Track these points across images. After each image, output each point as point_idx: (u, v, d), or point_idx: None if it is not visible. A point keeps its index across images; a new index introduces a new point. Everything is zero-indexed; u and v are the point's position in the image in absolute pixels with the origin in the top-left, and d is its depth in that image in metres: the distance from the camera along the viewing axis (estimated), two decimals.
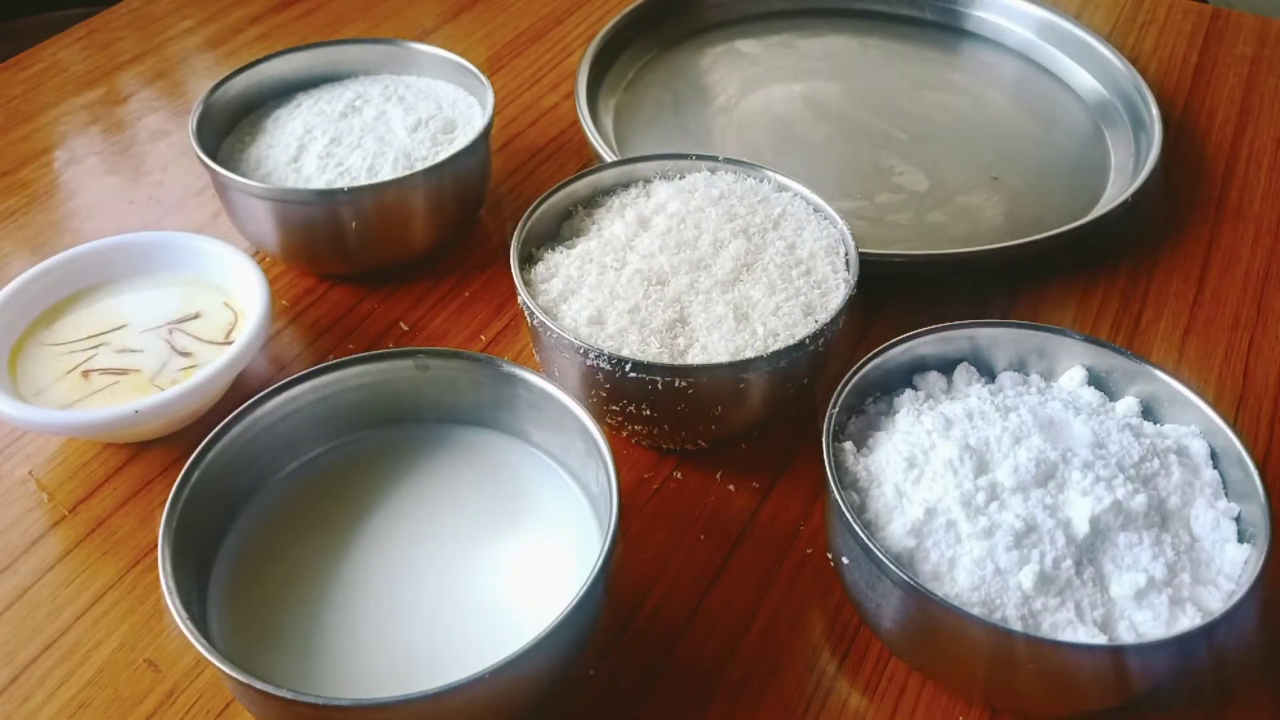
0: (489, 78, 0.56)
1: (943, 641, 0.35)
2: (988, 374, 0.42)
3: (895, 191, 0.59)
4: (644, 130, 0.64)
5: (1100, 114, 0.65)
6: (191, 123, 0.53)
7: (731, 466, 0.45)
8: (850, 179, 0.60)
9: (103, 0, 0.79)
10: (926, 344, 0.41)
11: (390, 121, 0.55)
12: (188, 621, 0.31)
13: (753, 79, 0.69)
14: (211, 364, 0.43)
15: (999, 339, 0.42)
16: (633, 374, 0.39)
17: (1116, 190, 0.57)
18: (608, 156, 0.56)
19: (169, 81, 0.71)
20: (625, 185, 0.49)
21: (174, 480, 0.35)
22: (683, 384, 0.40)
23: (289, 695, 0.29)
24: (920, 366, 0.42)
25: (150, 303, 0.48)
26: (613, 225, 0.46)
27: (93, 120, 0.67)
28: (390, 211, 0.51)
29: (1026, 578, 0.33)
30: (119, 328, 0.47)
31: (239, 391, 0.46)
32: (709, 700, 0.37)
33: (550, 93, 0.68)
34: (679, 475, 0.45)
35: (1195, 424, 0.39)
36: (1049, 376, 0.42)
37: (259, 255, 0.54)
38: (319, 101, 0.57)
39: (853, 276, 0.43)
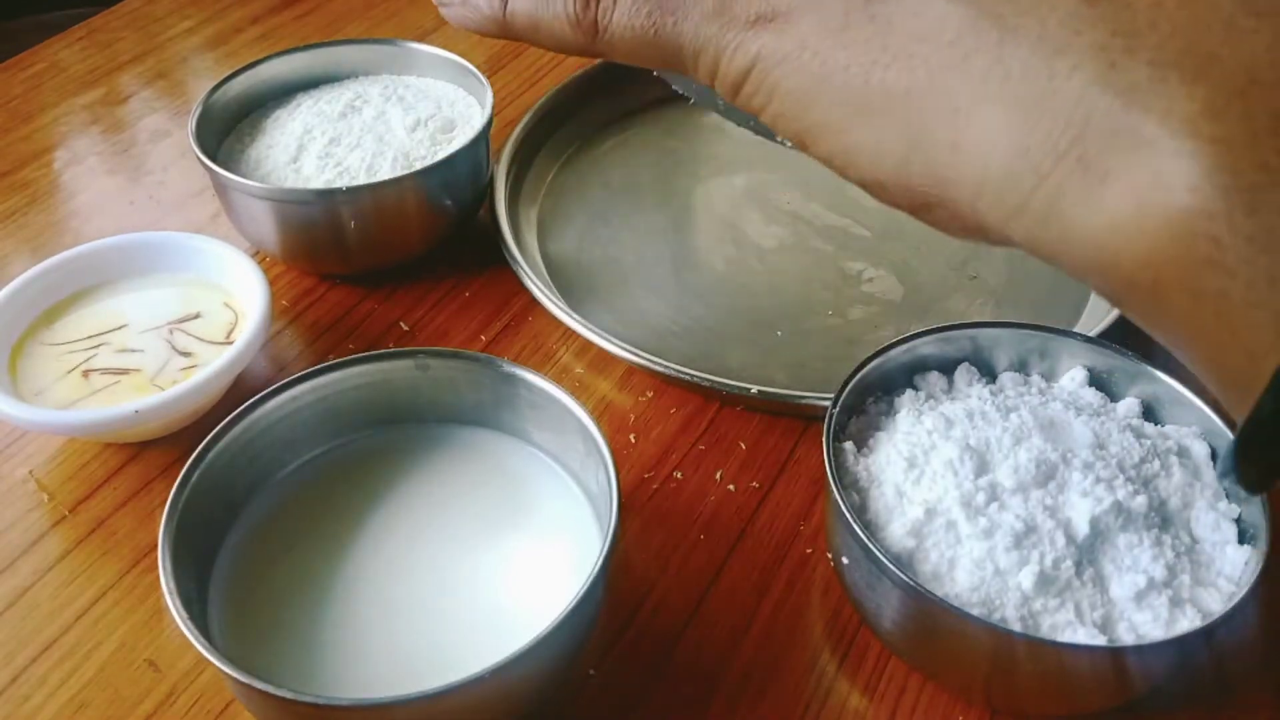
0: (489, 78, 0.56)
1: (942, 642, 0.35)
2: (989, 374, 0.42)
3: (868, 303, 0.53)
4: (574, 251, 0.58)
5: None
6: (191, 123, 0.53)
7: (731, 466, 0.45)
8: (816, 291, 0.54)
9: (103, 0, 0.79)
10: (927, 344, 0.41)
11: (390, 121, 0.55)
12: (188, 621, 0.31)
13: (686, 172, 0.63)
14: (212, 364, 0.43)
15: (1000, 339, 0.42)
16: None
17: None
18: (536, 292, 0.51)
19: (169, 81, 0.71)
20: None
21: (174, 480, 0.35)
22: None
23: (289, 695, 0.29)
24: (921, 367, 0.42)
25: (150, 303, 0.48)
26: None
27: (93, 120, 0.67)
28: (389, 211, 0.51)
29: (1026, 578, 0.33)
30: (119, 328, 0.47)
31: (239, 391, 0.46)
32: (709, 700, 0.37)
33: None
34: (679, 475, 0.45)
35: (1196, 425, 0.39)
36: (1050, 377, 0.42)
37: (259, 255, 0.54)
38: (318, 102, 0.57)
39: None
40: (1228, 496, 0.37)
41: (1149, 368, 0.40)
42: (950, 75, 0.27)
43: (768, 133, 0.44)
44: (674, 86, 0.47)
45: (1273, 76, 0.22)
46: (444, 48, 0.59)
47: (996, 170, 0.26)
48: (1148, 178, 0.23)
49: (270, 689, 0.29)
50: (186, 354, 0.46)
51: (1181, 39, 0.24)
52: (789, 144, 0.44)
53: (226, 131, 0.56)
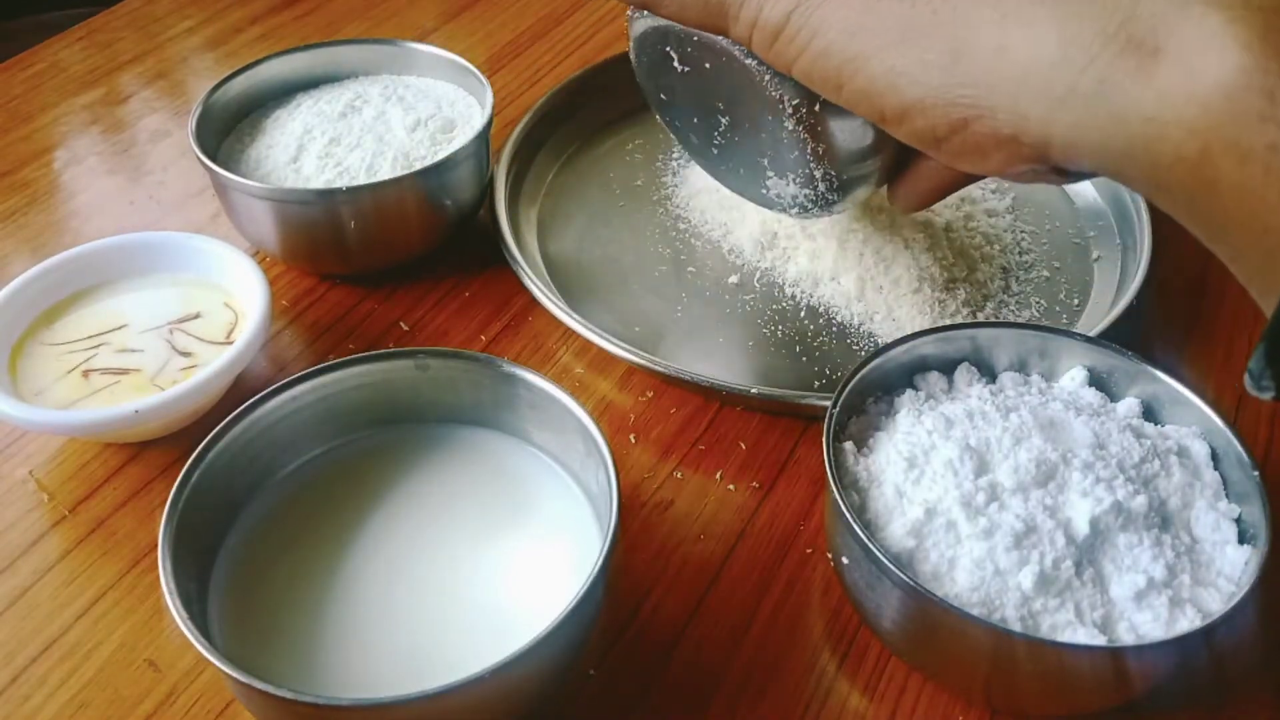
0: (489, 78, 0.56)
1: (942, 642, 0.35)
2: (989, 374, 0.42)
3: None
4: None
5: None
6: (191, 123, 0.53)
7: (731, 466, 0.45)
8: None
9: (103, 0, 0.79)
10: (927, 344, 0.41)
11: (390, 121, 0.55)
12: (188, 621, 0.31)
13: (686, 172, 0.61)
14: (212, 364, 0.43)
15: (1000, 339, 0.42)
16: None
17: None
18: (535, 290, 0.51)
19: (169, 81, 0.71)
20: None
21: (174, 480, 0.35)
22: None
23: (289, 695, 0.29)
24: (921, 366, 0.42)
25: (150, 303, 0.48)
26: None
27: (93, 120, 0.67)
28: (389, 211, 0.51)
29: (1026, 578, 0.33)
30: (119, 328, 0.47)
31: (239, 391, 0.46)
32: (709, 700, 0.37)
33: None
34: (679, 475, 0.45)
35: (1196, 425, 0.39)
36: (1050, 377, 0.42)
37: (259, 255, 0.54)
38: (318, 102, 0.57)
39: None
40: (1228, 497, 0.37)
41: (1149, 368, 0.40)
42: None
43: (749, 178, 0.43)
44: (672, 134, 0.46)
45: None
46: (444, 48, 0.59)
47: (1045, 60, 0.27)
48: (1200, 46, 0.25)
49: (270, 689, 0.29)
50: (186, 354, 0.46)
51: None
52: (771, 193, 0.43)
53: (226, 131, 0.56)
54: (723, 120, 0.41)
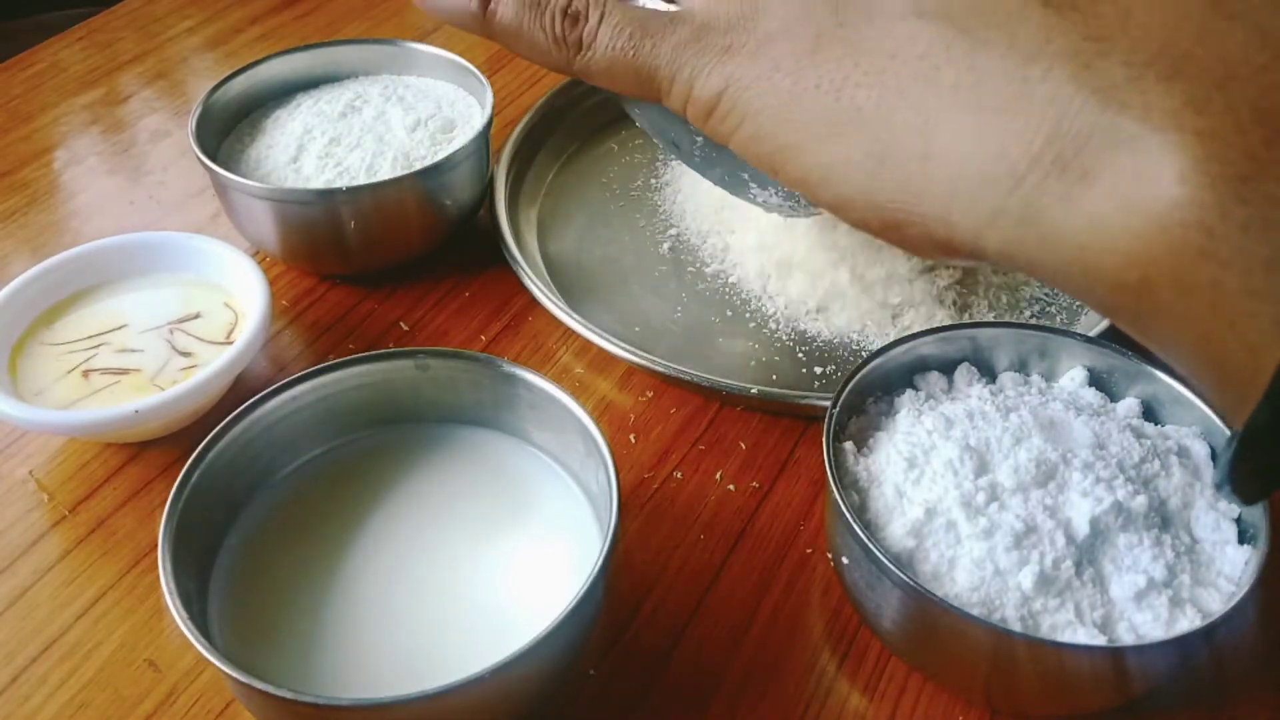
0: (489, 78, 0.56)
1: (942, 642, 0.35)
2: (989, 374, 0.42)
3: None
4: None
5: None
6: (191, 123, 0.53)
7: (731, 466, 0.45)
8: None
9: (103, 0, 0.79)
10: (927, 344, 0.41)
11: (390, 121, 0.55)
12: (188, 621, 0.31)
13: (686, 172, 0.61)
14: (212, 364, 0.43)
15: (1000, 339, 0.42)
16: None
17: None
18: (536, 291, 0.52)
19: (169, 81, 0.71)
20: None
21: (174, 480, 0.35)
22: None
23: (289, 695, 0.29)
24: (921, 366, 0.42)
25: (150, 303, 0.48)
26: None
27: (93, 120, 0.67)
28: (389, 211, 0.51)
29: (1026, 578, 0.33)
30: (119, 328, 0.47)
31: (239, 391, 0.46)
32: (709, 700, 0.37)
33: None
34: (679, 475, 0.45)
35: (1196, 425, 0.39)
36: (1050, 377, 0.42)
37: (259, 255, 0.54)
38: (318, 102, 0.57)
39: None
40: (1226, 496, 0.37)
41: (1149, 368, 0.40)
42: (920, 87, 0.27)
43: (735, 184, 0.43)
44: (653, 136, 0.46)
45: (1249, 71, 0.22)
46: (444, 48, 0.59)
47: (970, 177, 0.26)
48: (1131, 173, 0.23)
49: (270, 689, 0.29)
50: (186, 354, 0.46)
51: (1155, 40, 0.24)
52: (758, 200, 0.43)
53: (226, 131, 0.56)
54: (698, 139, 0.42)
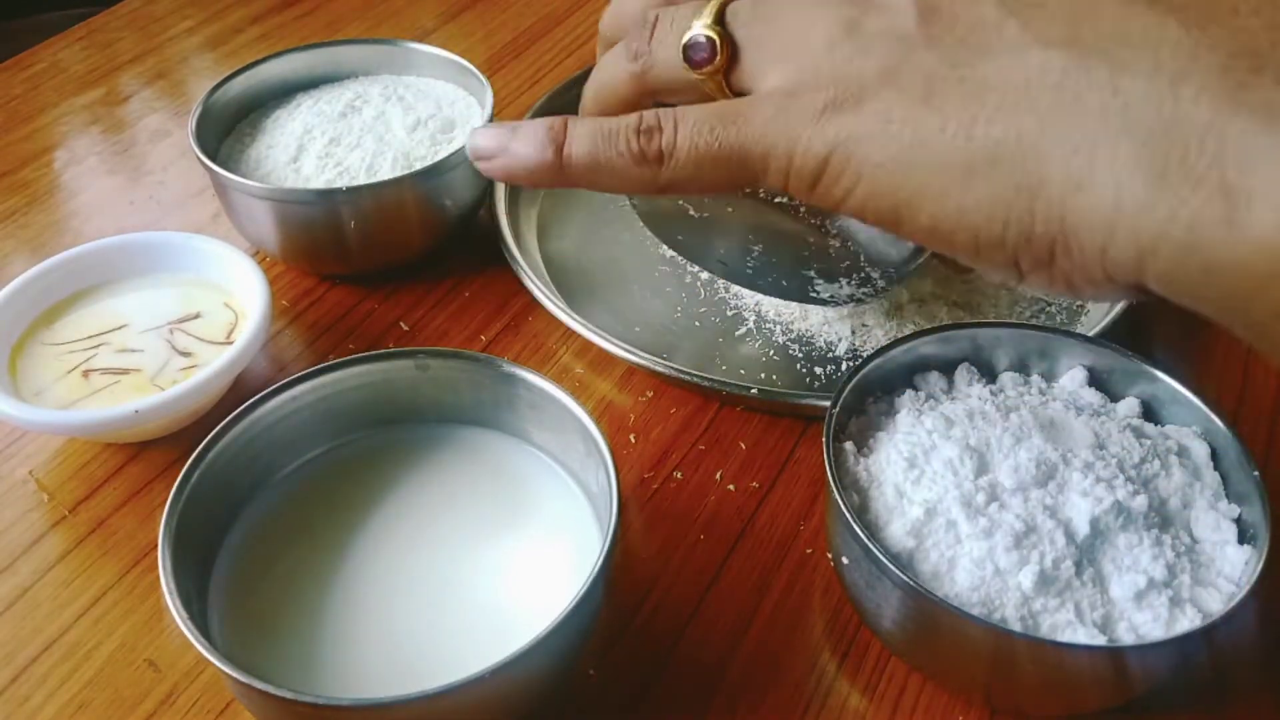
0: (489, 78, 0.56)
1: (942, 642, 0.35)
2: (989, 374, 0.42)
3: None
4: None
5: None
6: (191, 123, 0.53)
7: (731, 466, 0.45)
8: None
9: (103, 0, 0.79)
10: (927, 344, 0.41)
11: (390, 121, 0.55)
12: (188, 621, 0.31)
13: None
14: (212, 364, 0.43)
15: (1000, 339, 0.42)
16: None
17: None
18: (536, 291, 0.51)
19: (169, 81, 0.71)
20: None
21: (174, 480, 0.35)
22: None
23: (289, 695, 0.29)
24: (921, 366, 0.42)
25: (150, 303, 0.48)
26: None
27: (93, 120, 0.67)
28: (389, 211, 0.51)
29: (1026, 578, 0.33)
30: (119, 328, 0.47)
31: (239, 391, 0.46)
32: (709, 700, 0.37)
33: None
34: (679, 475, 0.45)
35: (1196, 425, 0.39)
36: (1050, 377, 0.42)
37: (259, 255, 0.54)
38: (318, 102, 0.57)
39: None
40: (1228, 497, 0.37)
41: (1149, 368, 0.40)
42: (1063, 116, 0.26)
43: (794, 288, 0.41)
44: (695, 264, 0.44)
45: None
46: (444, 48, 0.59)
47: (1130, 204, 0.25)
48: None
49: (270, 689, 0.29)
50: (186, 354, 0.46)
51: None
52: (823, 295, 0.41)
53: (226, 131, 0.56)
54: (755, 248, 0.41)
